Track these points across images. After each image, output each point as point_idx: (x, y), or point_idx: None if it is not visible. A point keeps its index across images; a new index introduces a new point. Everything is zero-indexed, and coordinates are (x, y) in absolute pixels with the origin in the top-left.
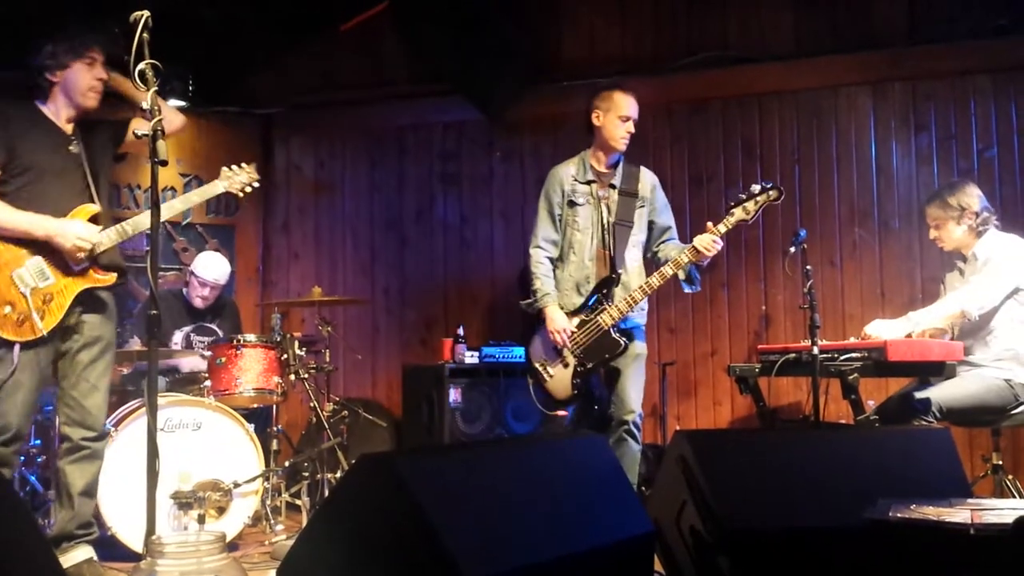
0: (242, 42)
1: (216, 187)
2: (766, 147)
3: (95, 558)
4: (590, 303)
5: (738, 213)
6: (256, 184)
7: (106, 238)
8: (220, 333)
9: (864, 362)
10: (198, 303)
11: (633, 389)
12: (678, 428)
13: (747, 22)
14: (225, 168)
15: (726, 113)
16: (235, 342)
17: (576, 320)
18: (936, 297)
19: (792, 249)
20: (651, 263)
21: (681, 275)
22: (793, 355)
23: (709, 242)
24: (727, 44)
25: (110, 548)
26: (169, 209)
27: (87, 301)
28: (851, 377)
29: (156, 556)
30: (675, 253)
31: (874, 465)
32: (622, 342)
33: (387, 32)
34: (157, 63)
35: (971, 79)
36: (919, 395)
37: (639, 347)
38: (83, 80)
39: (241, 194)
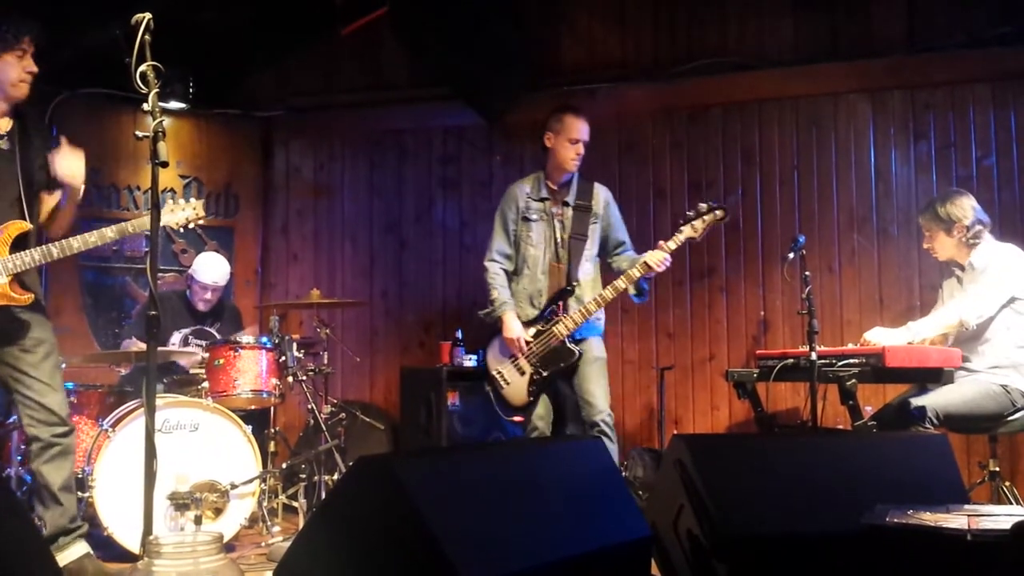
0: (242, 45)
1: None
2: (765, 154)
3: (91, 553)
4: (546, 314)
5: (687, 231)
6: (201, 222)
7: (20, 263)
8: (218, 337)
9: (862, 368)
10: (202, 306)
11: (599, 389)
12: (676, 432)
13: (747, 29)
14: (171, 201)
15: (725, 120)
16: (233, 343)
17: (532, 330)
18: (934, 304)
19: (791, 255)
20: (606, 273)
21: (631, 289)
22: (791, 360)
23: (660, 259)
24: (727, 51)
25: (107, 549)
26: (82, 242)
27: (8, 316)
28: (849, 383)
29: (153, 556)
30: (627, 265)
31: (871, 471)
32: (576, 351)
33: (387, 36)
34: (158, 65)
35: (969, 88)
36: (916, 401)
37: (598, 350)
38: (13, 72)
39: (182, 230)
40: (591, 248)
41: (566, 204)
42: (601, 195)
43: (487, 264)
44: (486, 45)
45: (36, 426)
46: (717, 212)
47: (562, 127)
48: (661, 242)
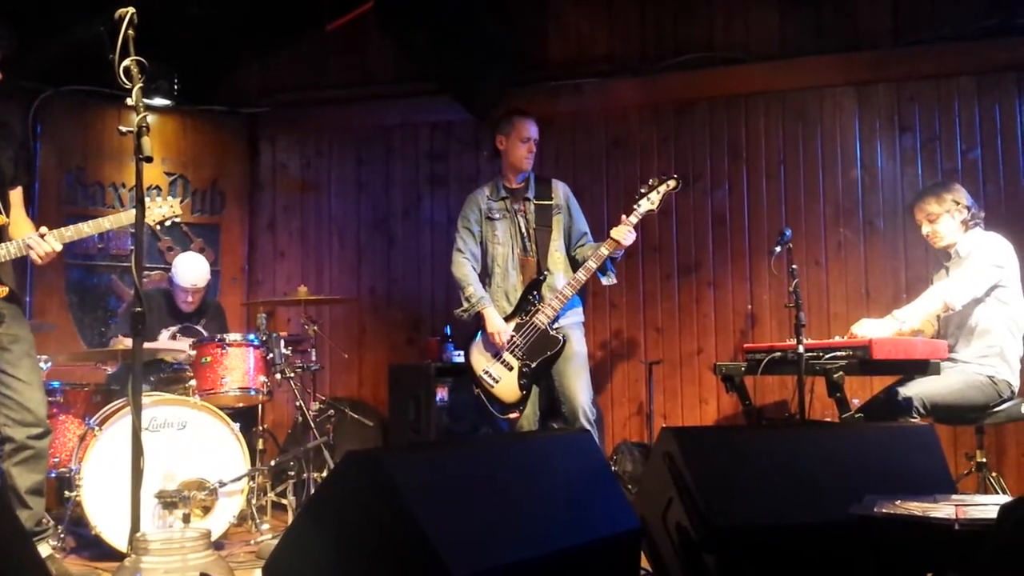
0: (228, 40)
1: (131, 215)
2: (752, 147)
3: (55, 555)
4: (524, 306)
5: (644, 204)
6: (177, 219)
7: None
8: (205, 334)
9: (849, 360)
10: (185, 307)
11: (579, 386)
12: (664, 426)
13: (733, 23)
14: (147, 199)
15: (712, 114)
16: (220, 341)
17: (512, 323)
18: None
19: (778, 249)
20: (571, 263)
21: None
22: (779, 354)
23: (625, 232)
24: (713, 45)
25: (94, 548)
26: (59, 236)
27: None
28: (836, 375)
29: (141, 553)
30: (590, 252)
31: (859, 462)
32: (560, 338)
33: (373, 31)
34: (143, 60)
35: (955, 81)
36: (903, 392)
37: (578, 344)
38: None
39: (158, 227)
40: (557, 239)
41: (527, 199)
42: (560, 189)
43: (456, 261)
44: (473, 40)
45: (12, 426)
46: (669, 182)
47: (512, 128)
48: (623, 216)
